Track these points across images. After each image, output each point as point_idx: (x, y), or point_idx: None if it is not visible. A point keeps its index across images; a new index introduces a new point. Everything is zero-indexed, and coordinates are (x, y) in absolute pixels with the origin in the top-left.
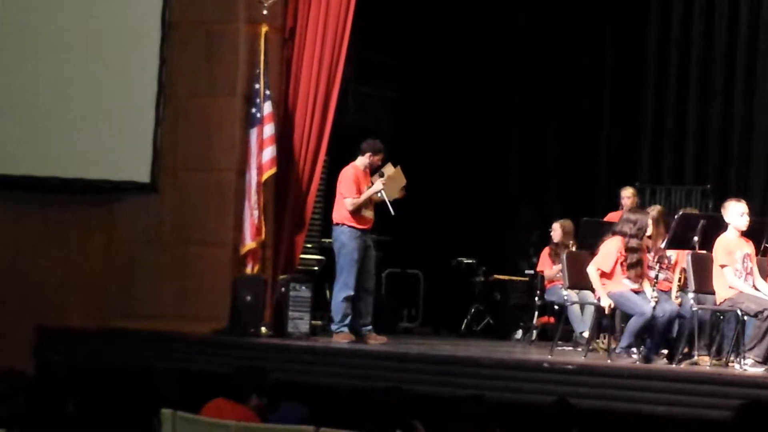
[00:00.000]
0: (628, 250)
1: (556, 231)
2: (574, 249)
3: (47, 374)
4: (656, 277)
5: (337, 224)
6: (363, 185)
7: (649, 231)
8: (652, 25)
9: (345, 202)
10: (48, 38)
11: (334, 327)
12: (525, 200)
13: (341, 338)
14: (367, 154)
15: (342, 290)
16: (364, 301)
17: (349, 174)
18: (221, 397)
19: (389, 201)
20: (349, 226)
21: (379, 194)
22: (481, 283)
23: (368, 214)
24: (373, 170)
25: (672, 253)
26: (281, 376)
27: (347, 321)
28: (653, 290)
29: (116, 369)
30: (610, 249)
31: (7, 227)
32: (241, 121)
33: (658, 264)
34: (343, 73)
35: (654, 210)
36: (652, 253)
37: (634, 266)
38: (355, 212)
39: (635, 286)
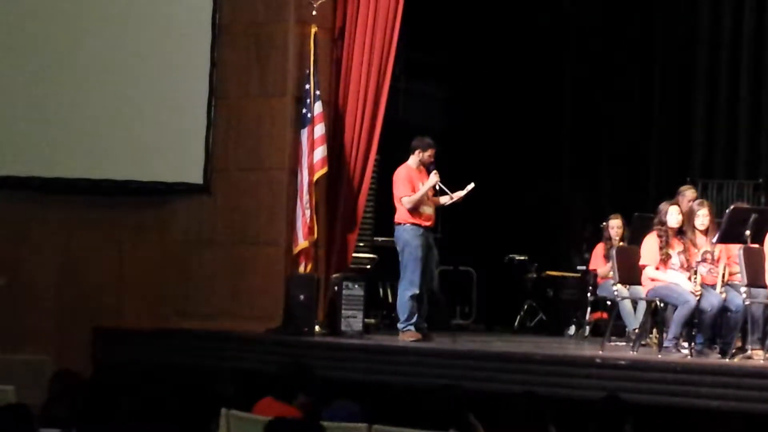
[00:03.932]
0: (664, 240)
1: (614, 228)
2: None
3: (103, 374)
4: (695, 272)
5: (399, 224)
6: (417, 182)
7: (706, 222)
8: (703, 17)
9: (403, 201)
10: (101, 43)
11: (400, 326)
12: (577, 196)
13: (408, 336)
14: (417, 151)
15: (407, 289)
16: (425, 302)
17: (402, 174)
18: (269, 396)
19: (445, 188)
20: (411, 224)
21: (436, 187)
22: (534, 279)
23: (428, 210)
24: (427, 167)
25: (716, 248)
26: (334, 374)
27: (414, 319)
28: (695, 284)
29: (171, 368)
30: (651, 243)
31: (62, 230)
32: (292, 121)
33: (702, 258)
34: (393, 71)
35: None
36: (696, 248)
37: (670, 256)
38: (414, 210)
39: (685, 275)
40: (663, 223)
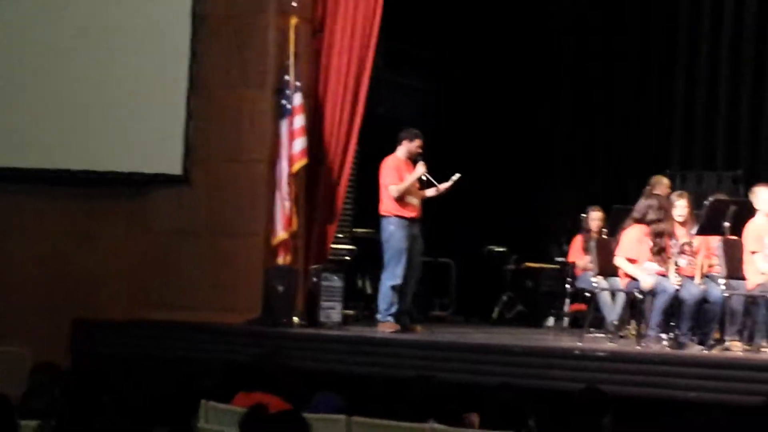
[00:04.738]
0: (656, 235)
1: (595, 220)
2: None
3: (82, 366)
4: (676, 263)
5: (384, 215)
6: (405, 173)
7: (685, 213)
8: (684, 11)
9: (390, 189)
10: (80, 33)
11: (379, 316)
12: (555, 188)
13: (386, 327)
14: (405, 142)
15: (389, 279)
16: (408, 293)
17: (390, 163)
18: (248, 387)
19: (432, 179)
20: (396, 216)
21: (422, 177)
22: (513, 271)
23: (414, 201)
24: (414, 159)
25: (694, 240)
26: (313, 366)
27: (393, 310)
28: (676, 275)
29: (150, 360)
30: (631, 237)
31: (43, 221)
32: (271, 112)
33: (680, 250)
34: (373, 63)
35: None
36: (675, 239)
37: (662, 251)
38: (400, 200)
39: (661, 269)
40: (663, 219)
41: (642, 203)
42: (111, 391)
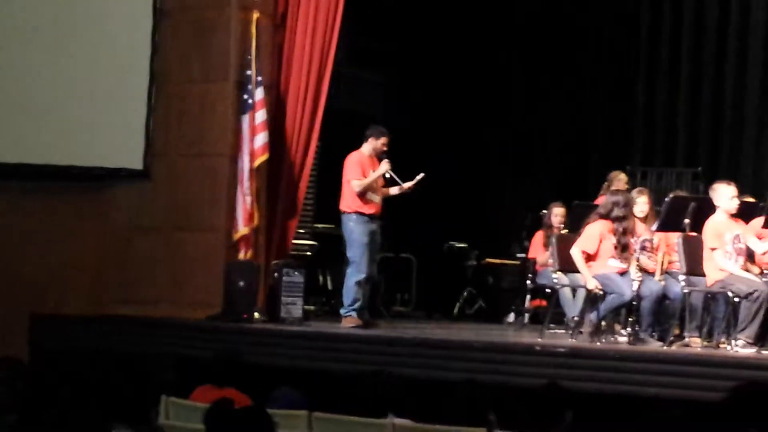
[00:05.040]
0: (621, 233)
1: (558, 216)
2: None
3: (41, 361)
4: (638, 259)
5: (344, 212)
6: (368, 169)
7: (645, 209)
8: (645, 8)
9: (352, 184)
10: (40, 26)
11: (343, 311)
12: (516, 184)
13: (349, 322)
14: (371, 139)
15: (353, 275)
16: (368, 289)
17: (354, 159)
18: (206, 383)
19: (396, 176)
20: (356, 213)
21: (386, 175)
22: (474, 266)
23: (375, 198)
24: (379, 156)
25: (654, 236)
26: (274, 361)
27: (357, 305)
28: (637, 272)
29: (111, 355)
30: (594, 231)
31: (0, 215)
32: (233, 107)
33: (641, 247)
34: (335, 58)
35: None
36: (636, 236)
37: (626, 248)
38: (362, 196)
39: (623, 266)
40: (627, 217)
41: (608, 199)
42: (73, 386)
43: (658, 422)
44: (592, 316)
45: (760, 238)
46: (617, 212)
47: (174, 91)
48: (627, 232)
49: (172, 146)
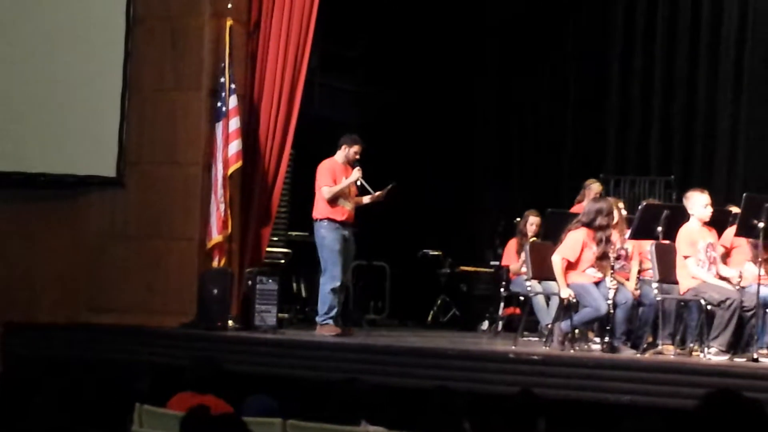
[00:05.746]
0: (603, 241)
1: (533, 225)
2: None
3: (14, 369)
4: (612, 267)
5: (316, 219)
6: (340, 177)
7: (616, 217)
8: (617, 16)
9: (322, 190)
10: (12, 33)
11: (319, 319)
12: (490, 191)
13: (326, 330)
14: (344, 147)
15: (328, 282)
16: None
17: (326, 166)
18: (183, 390)
19: (367, 185)
20: (327, 219)
21: (357, 183)
22: (447, 274)
23: (347, 206)
24: (352, 164)
25: (628, 244)
26: (248, 369)
27: (333, 313)
28: (612, 279)
29: (84, 364)
30: (577, 239)
31: None
32: (206, 115)
33: (615, 254)
34: (309, 65)
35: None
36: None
37: (606, 257)
38: (333, 203)
39: (600, 276)
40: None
41: (591, 206)
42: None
43: (632, 430)
44: (563, 325)
45: (731, 247)
46: (600, 221)
47: (147, 98)
48: (609, 240)
49: (145, 154)
